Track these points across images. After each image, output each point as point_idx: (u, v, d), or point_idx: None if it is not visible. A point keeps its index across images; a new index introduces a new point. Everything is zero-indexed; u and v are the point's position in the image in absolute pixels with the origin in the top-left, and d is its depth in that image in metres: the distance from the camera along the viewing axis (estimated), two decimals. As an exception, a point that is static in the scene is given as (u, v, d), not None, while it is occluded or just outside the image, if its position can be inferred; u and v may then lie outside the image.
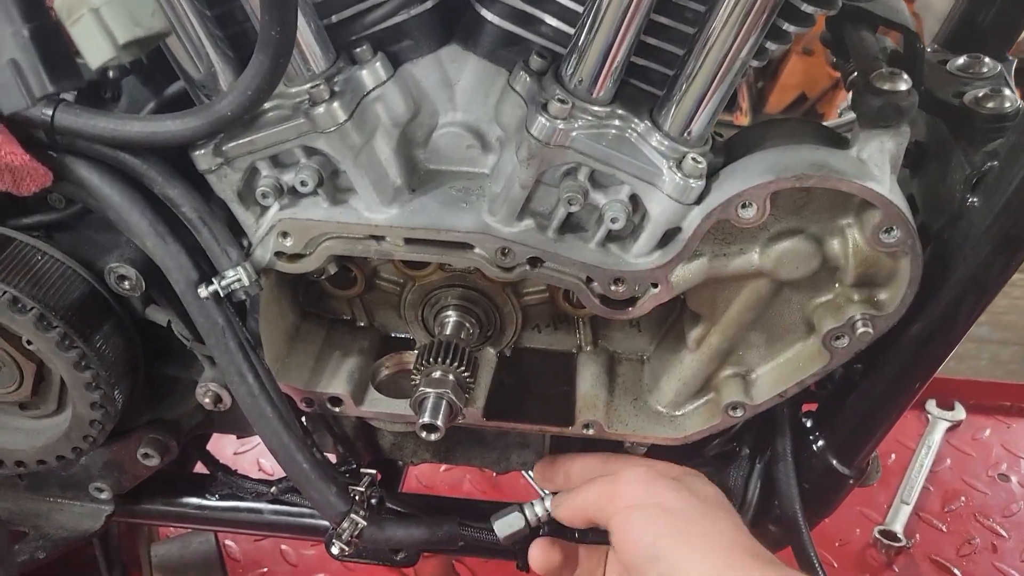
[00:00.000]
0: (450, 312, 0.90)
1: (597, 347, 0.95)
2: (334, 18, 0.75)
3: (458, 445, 1.07)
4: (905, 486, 1.52)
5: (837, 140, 0.75)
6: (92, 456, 0.98)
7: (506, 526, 0.93)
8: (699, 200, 0.73)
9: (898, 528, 1.45)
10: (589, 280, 0.79)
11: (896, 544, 1.42)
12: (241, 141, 0.76)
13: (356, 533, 0.87)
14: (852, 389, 0.88)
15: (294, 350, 0.93)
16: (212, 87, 0.76)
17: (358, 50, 0.75)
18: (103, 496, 1.01)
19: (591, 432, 0.89)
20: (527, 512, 0.92)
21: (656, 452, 0.91)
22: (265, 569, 1.42)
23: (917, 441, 1.62)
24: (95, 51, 0.65)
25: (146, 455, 0.95)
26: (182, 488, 1.09)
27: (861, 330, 0.77)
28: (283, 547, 1.44)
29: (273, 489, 1.03)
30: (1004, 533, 1.47)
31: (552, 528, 0.93)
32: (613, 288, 0.78)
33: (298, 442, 0.85)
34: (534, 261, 0.78)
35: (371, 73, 0.75)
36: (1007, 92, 0.77)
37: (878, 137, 0.72)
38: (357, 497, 0.89)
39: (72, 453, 0.90)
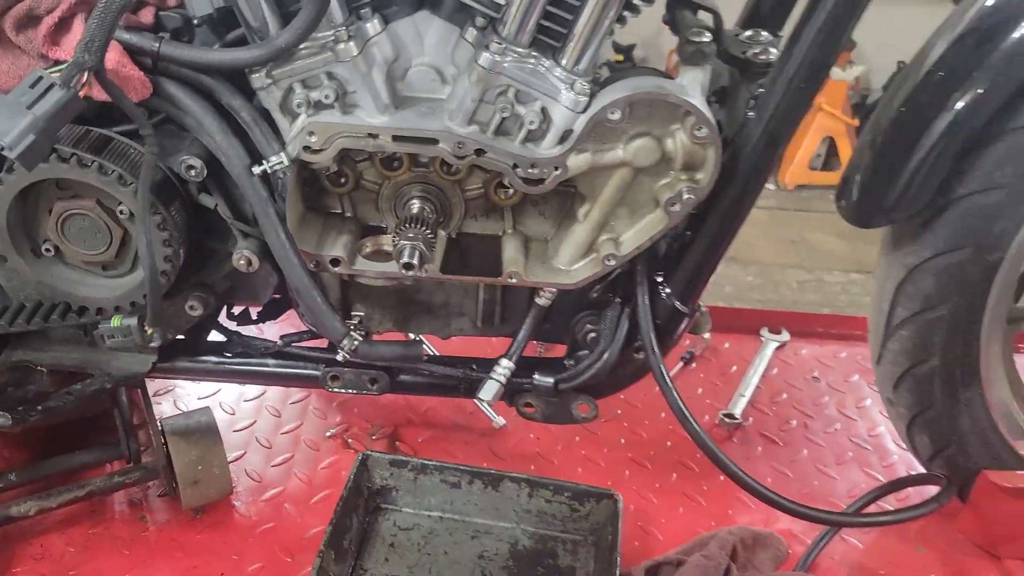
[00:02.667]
0: (415, 200, 1.29)
1: (516, 231, 1.35)
2: (348, -11, 1.14)
3: (412, 316, 1.45)
4: (743, 384, 1.97)
5: (669, 76, 1.19)
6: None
7: (490, 392, 1.34)
8: (585, 110, 1.16)
9: (737, 412, 1.88)
10: (515, 166, 1.19)
11: (735, 422, 1.87)
12: (284, 68, 1.14)
13: (353, 348, 1.25)
14: (685, 251, 1.31)
15: (303, 229, 1.29)
16: (264, 32, 1.14)
17: (363, 11, 1.14)
18: (154, 344, 1.34)
19: (514, 281, 1.29)
20: (497, 377, 1.34)
21: (559, 295, 1.33)
22: (243, 452, 1.74)
23: (753, 357, 2.09)
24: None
25: (191, 307, 1.30)
26: (205, 349, 1.43)
27: (686, 197, 1.20)
28: (257, 436, 1.77)
29: (279, 341, 1.38)
30: (813, 416, 1.92)
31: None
32: (530, 171, 1.19)
33: (313, 281, 1.22)
34: (479, 151, 1.18)
35: (372, 26, 1.14)
36: (772, 50, 1.23)
37: (692, 71, 1.16)
38: (352, 326, 1.27)
39: (143, 299, 1.24)
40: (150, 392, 1.84)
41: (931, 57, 1.23)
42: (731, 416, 1.87)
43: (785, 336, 2.15)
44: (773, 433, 1.87)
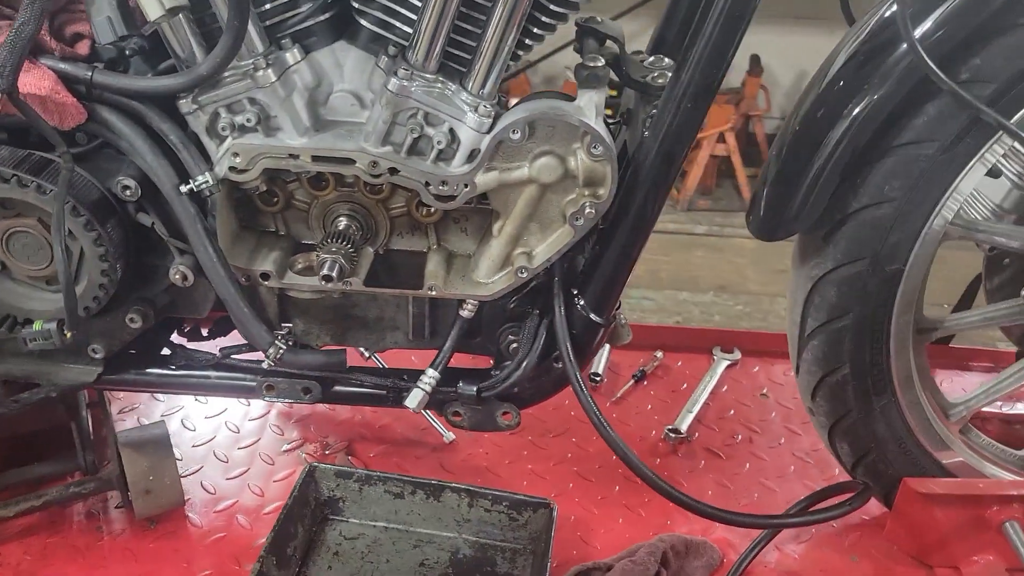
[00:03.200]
0: (342, 217, 1.37)
1: (440, 247, 1.43)
2: (268, 21, 1.23)
3: (349, 330, 1.52)
4: (691, 400, 2.02)
5: (568, 98, 1.27)
6: (91, 324, 1.40)
7: (415, 399, 1.41)
8: (490, 130, 1.24)
9: (683, 427, 1.94)
10: (427, 183, 1.27)
11: (680, 436, 1.91)
12: (210, 94, 1.23)
13: (278, 356, 1.32)
14: (596, 264, 1.38)
15: (236, 245, 1.37)
16: (192, 62, 1.23)
17: (283, 41, 1.23)
18: (97, 356, 1.42)
19: (433, 292, 1.36)
20: (423, 386, 1.40)
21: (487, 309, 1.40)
22: (201, 466, 1.81)
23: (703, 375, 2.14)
24: (152, 8, 1.13)
25: (131, 319, 1.38)
26: (151, 362, 1.51)
27: (588, 211, 1.27)
28: (215, 451, 1.85)
29: (218, 351, 1.46)
30: (759, 431, 1.97)
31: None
32: (441, 188, 1.27)
33: (241, 293, 1.30)
34: (392, 170, 1.26)
35: (291, 55, 1.23)
36: (668, 74, 1.31)
37: (588, 93, 1.24)
38: (278, 337, 1.34)
39: (84, 312, 1.32)
40: (116, 411, 1.94)
41: (827, 75, 1.31)
42: (676, 431, 1.92)
43: (737, 355, 2.20)
44: (718, 448, 1.92)
